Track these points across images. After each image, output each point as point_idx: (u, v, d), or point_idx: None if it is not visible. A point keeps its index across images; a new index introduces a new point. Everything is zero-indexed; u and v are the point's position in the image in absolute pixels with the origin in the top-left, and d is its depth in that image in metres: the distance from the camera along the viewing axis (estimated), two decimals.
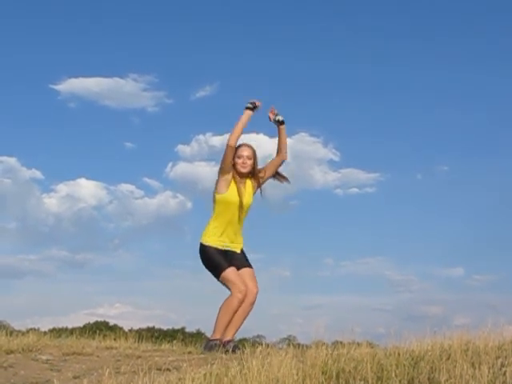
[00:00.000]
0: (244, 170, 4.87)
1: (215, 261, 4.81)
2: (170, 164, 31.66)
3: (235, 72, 32.78)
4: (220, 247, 4.84)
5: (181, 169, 31.78)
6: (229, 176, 4.85)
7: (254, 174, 4.92)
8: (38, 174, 31.61)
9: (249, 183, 4.94)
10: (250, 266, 4.93)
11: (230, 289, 4.74)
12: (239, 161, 4.88)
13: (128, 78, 31.48)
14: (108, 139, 35.88)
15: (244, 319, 4.81)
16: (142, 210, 32.69)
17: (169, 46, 34.26)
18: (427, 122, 34.66)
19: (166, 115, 31.95)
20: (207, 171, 28.98)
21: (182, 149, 32.25)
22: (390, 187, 32.50)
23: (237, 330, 4.79)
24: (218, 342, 4.69)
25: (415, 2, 33.32)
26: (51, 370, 3.88)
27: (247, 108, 4.83)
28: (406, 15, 33.38)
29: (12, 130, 34.97)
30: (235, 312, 4.72)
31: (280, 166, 5.06)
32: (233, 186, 4.85)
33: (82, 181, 32.08)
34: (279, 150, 5.04)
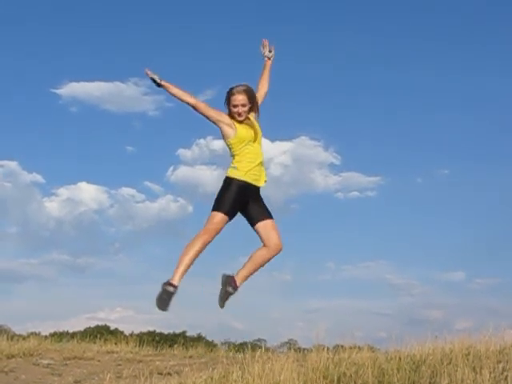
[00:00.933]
0: (240, 119, 4.82)
1: (225, 198, 4.61)
2: (171, 168, 31.58)
3: (236, 76, 32.70)
4: (249, 180, 4.70)
5: (182, 173, 31.73)
6: (226, 119, 4.80)
7: (253, 109, 4.88)
8: (38, 177, 31.52)
9: (251, 117, 4.89)
10: (271, 216, 4.82)
11: (204, 225, 4.62)
12: (234, 110, 4.81)
13: (129, 82, 31.40)
14: (109, 143, 35.74)
15: (261, 267, 4.68)
16: (143, 213, 32.61)
17: (169, 50, 34.22)
18: (427, 125, 34.56)
19: (166, 119, 31.82)
20: (208, 175, 28.91)
21: (183, 153, 32.18)
22: (391, 191, 32.38)
23: (248, 277, 4.64)
24: (173, 289, 4.50)
25: (416, 4, 33.31)
26: (52, 374, 3.88)
27: (158, 86, 4.81)
28: (406, 18, 33.35)
29: (13, 133, 34.84)
30: (196, 254, 4.57)
31: (265, 97, 5.13)
32: (237, 124, 4.81)
33: (83, 185, 32.01)
34: (263, 82, 5.11)
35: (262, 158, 4.85)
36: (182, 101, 4.77)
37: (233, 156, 4.81)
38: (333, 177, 31.55)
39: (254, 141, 4.80)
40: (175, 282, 4.57)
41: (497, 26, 31.51)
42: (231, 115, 4.80)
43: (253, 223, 4.78)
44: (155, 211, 32.59)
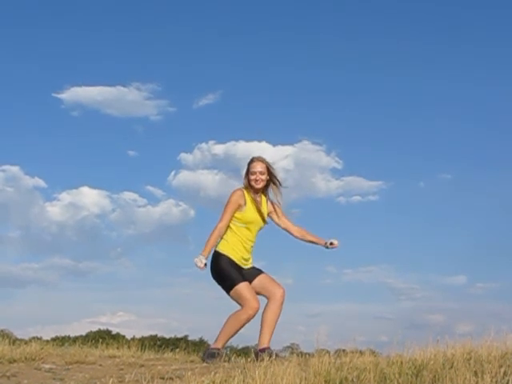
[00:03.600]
0: (258, 186, 4.91)
1: (228, 272, 4.70)
2: (173, 172, 31.64)
3: (238, 80, 32.75)
4: (236, 260, 4.79)
5: (183, 177, 31.77)
6: (238, 202, 4.84)
7: (270, 182, 4.95)
8: (40, 182, 31.57)
9: (264, 201, 4.97)
10: (262, 271, 4.90)
11: (241, 305, 4.65)
12: (252, 177, 4.92)
13: (131, 86, 31.48)
14: (111, 148, 35.81)
15: (276, 323, 4.77)
16: (144, 218, 32.64)
17: (171, 55, 34.31)
18: (430, 129, 34.54)
19: (168, 123, 31.87)
20: (210, 179, 28.98)
21: (185, 157, 32.23)
22: (393, 195, 32.36)
23: (271, 336, 4.72)
24: (218, 350, 4.68)
25: (417, 11, 33.38)
26: (54, 379, 3.88)
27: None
28: (408, 24, 33.44)
29: (15, 138, 34.93)
30: (241, 327, 4.69)
31: (288, 231, 5.09)
32: (249, 203, 4.88)
33: (85, 189, 32.03)
34: (303, 233, 5.09)
35: (253, 242, 4.91)
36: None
37: (229, 227, 4.85)
38: (335, 181, 31.56)
39: (255, 225, 4.88)
40: (218, 345, 4.72)
41: (498, 30, 31.57)
42: (250, 185, 4.89)
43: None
44: (157, 216, 32.63)
